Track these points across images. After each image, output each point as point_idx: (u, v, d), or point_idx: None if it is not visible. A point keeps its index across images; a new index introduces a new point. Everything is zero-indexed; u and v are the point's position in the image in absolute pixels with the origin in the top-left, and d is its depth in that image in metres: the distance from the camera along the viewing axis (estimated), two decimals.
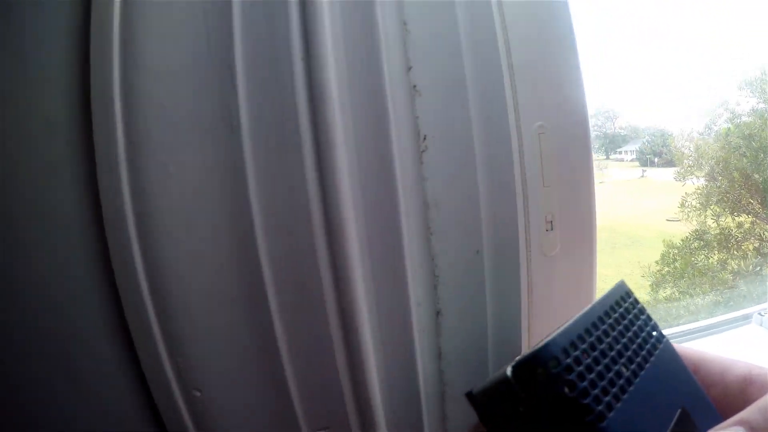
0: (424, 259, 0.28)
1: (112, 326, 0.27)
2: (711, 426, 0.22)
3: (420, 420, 0.29)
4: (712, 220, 3.11)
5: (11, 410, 0.28)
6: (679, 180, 3.48)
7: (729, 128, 3.11)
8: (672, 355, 0.26)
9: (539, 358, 0.21)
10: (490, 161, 0.28)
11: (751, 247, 2.96)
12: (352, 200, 0.24)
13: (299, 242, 0.25)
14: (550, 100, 0.36)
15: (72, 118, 0.25)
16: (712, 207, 3.07)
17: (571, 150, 0.40)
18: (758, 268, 2.77)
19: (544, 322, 0.34)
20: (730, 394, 0.25)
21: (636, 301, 0.27)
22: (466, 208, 0.28)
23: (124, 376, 0.28)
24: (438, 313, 0.29)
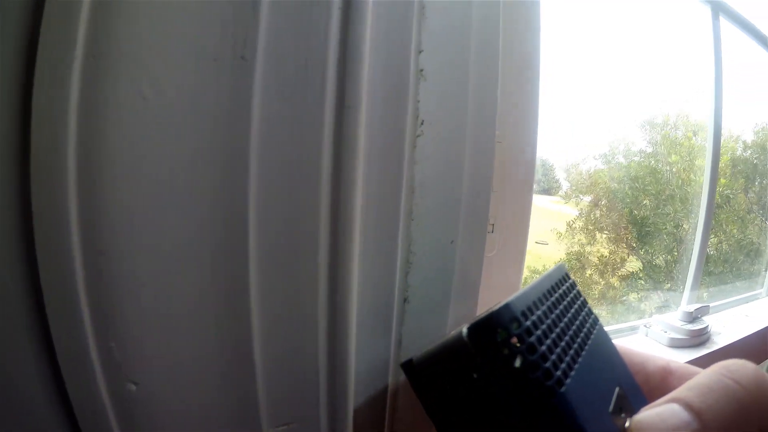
0: (402, 245, 0.27)
1: (20, 288, 0.20)
2: (642, 406, 0.22)
3: (382, 418, 0.29)
4: (578, 247, 3.40)
5: None
6: (557, 206, 3.75)
7: (621, 164, 3.40)
8: (606, 338, 0.26)
9: (500, 319, 0.19)
10: (475, 156, 0.29)
11: (616, 279, 3.25)
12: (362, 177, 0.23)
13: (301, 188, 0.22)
14: (508, 115, 0.38)
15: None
16: (578, 236, 3.37)
17: (517, 163, 0.42)
18: (624, 297, 3.07)
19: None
20: (651, 382, 0.27)
21: (574, 284, 0.27)
22: (449, 198, 0.29)
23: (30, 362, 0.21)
24: (405, 300, 0.29)
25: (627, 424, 0.21)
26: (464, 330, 0.20)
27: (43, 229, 0.20)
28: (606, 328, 0.27)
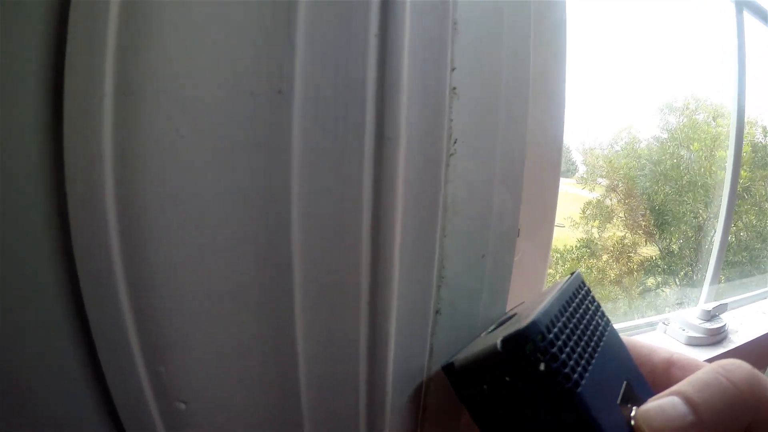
0: (437, 263, 0.28)
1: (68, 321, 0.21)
2: (648, 397, 0.25)
3: (415, 416, 0.30)
4: (597, 231, 3.38)
5: None
6: (580, 188, 3.70)
7: (642, 149, 3.34)
8: (616, 337, 0.30)
9: (529, 333, 0.23)
10: (506, 171, 0.29)
11: (635, 264, 3.22)
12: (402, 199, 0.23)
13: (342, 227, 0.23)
14: (534, 112, 0.37)
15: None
16: (594, 222, 3.34)
17: (543, 164, 0.42)
18: (640, 287, 3.04)
19: None
20: (656, 372, 0.30)
21: (589, 290, 0.31)
22: (481, 214, 0.29)
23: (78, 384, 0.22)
24: (437, 312, 0.29)
25: (633, 413, 0.24)
26: (498, 342, 0.23)
27: (87, 272, 0.20)
28: (622, 324, 0.29)
